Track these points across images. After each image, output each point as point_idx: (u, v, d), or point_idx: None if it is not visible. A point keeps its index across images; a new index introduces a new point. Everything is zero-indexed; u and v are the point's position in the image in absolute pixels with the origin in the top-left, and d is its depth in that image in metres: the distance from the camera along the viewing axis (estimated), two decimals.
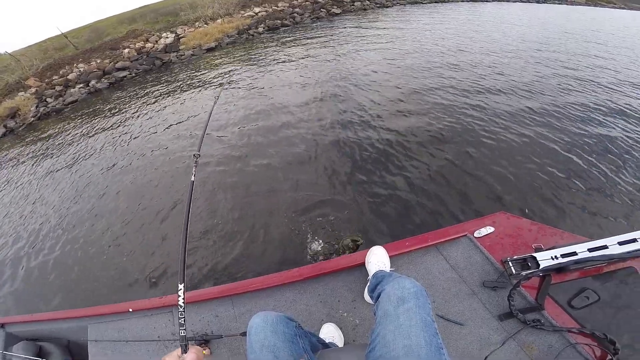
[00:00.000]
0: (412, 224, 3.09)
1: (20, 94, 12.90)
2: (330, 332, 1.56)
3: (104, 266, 3.39)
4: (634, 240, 1.35)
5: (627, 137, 4.42)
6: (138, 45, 15.24)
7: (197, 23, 16.98)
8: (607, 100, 5.52)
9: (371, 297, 1.41)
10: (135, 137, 6.15)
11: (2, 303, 3.33)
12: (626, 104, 5.33)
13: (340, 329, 1.59)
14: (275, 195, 3.73)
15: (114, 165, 5.29)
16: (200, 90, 8.13)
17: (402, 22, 14.46)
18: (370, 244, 2.56)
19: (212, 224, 3.52)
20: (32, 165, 6.48)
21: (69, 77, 13.15)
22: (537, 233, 1.55)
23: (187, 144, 5.33)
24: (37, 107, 11.19)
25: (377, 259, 1.62)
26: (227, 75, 8.84)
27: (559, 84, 6.19)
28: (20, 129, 10.22)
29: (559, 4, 35.12)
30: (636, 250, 1.33)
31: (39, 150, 7.25)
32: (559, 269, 1.35)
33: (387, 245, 1.73)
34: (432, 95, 5.69)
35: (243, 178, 4.14)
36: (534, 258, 1.41)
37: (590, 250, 1.35)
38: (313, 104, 5.81)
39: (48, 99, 11.59)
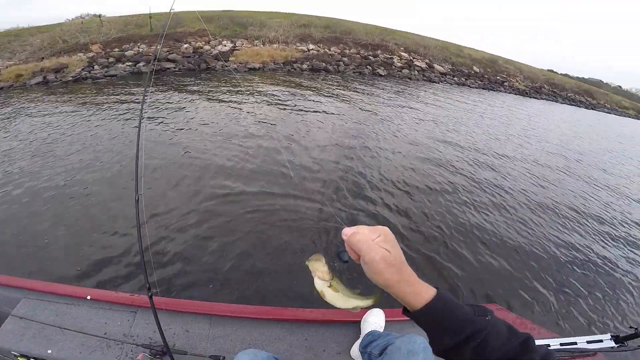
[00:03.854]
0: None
1: (79, 54, 13.42)
2: None
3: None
4: (600, 341, 1.47)
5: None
6: (198, 44, 15.65)
7: (256, 41, 17.30)
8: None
9: (362, 353, 1.41)
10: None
11: None
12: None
13: None
14: None
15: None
16: (221, 104, 7.92)
17: (444, 103, 12.81)
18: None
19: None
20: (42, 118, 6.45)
21: (127, 53, 13.57)
22: (520, 326, 1.53)
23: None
24: (82, 69, 11.48)
25: (376, 319, 1.64)
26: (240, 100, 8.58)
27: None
28: (55, 83, 10.45)
29: (608, 113, 33.97)
30: (601, 348, 1.45)
31: (55, 108, 7.21)
32: None
33: (385, 310, 1.72)
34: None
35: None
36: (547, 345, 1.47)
37: (561, 344, 1.46)
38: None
39: (96, 66, 11.90)
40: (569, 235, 4.31)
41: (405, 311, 0.57)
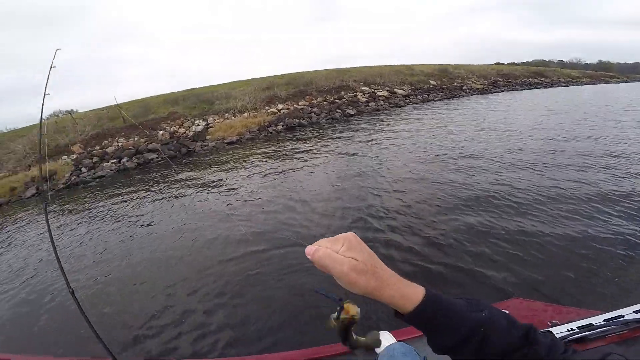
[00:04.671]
0: None
1: (63, 157, 14.11)
2: None
3: None
4: None
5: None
6: (173, 128, 16.77)
7: (226, 114, 18.68)
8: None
9: None
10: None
11: None
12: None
13: None
14: None
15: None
16: (211, 184, 8.59)
17: (414, 121, 14.98)
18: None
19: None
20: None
21: (108, 150, 14.40)
22: (553, 312, 1.50)
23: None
24: (71, 174, 12.15)
25: (387, 342, 1.60)
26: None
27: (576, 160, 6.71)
28: (49, 193, 10.98)
29: (565, 86, 37.56)
30: None
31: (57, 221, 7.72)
32: (578, 340, 1.26)
33: (393, 331, 1.68)
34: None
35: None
36: (550, 332, 1.14)
37: (606, 320, 1.29)
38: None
39: (83, 169, 12.62)
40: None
41: (397, 314, 0.55)
